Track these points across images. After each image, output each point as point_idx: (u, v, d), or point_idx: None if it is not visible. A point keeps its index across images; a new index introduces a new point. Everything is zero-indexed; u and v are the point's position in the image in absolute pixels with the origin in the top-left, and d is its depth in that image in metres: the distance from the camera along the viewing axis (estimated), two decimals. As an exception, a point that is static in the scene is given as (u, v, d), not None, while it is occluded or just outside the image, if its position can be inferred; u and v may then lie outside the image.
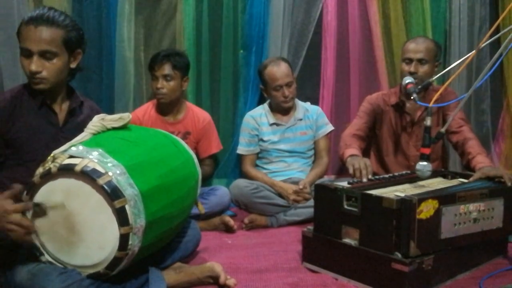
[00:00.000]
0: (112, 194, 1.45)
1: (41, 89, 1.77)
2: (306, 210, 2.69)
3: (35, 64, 1.72)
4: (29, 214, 1.52)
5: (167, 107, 2.82)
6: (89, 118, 1.87)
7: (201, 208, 2.07)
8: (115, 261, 1.49)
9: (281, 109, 2.99)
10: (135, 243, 1.50)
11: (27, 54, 1.73)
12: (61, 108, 1.88)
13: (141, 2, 2.99)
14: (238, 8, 3.13)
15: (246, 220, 2.65)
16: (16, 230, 1.46)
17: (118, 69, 2.94)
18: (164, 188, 1.64)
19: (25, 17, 1.75)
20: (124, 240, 1.47)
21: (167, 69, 2.73)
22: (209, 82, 3.15)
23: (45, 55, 1.74)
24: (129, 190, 1.48)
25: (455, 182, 2.18)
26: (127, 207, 1.46)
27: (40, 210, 1.50)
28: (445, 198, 1.81)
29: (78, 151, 1.54)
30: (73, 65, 1.86)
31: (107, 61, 2.93)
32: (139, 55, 3.02)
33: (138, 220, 1.49)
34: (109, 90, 2.95)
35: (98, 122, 1.69)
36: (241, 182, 2.80)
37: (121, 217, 1.46)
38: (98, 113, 1.98)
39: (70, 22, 1.81)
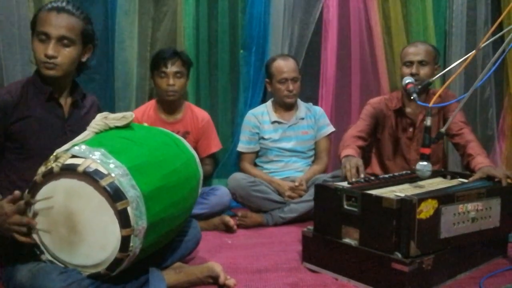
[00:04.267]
0: (115, 195, 1.45)
1: (51, 75, 1.77)
2: (299, 205, 2.72)
3: (52, 48, 1.73)
4: (30, 214, 1.52)
5: (171, 106, 2.82)
6: (92, 110, 1.91)
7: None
8: (116, 262, 1.49)
9: (284, 105, 3.00)
10: (136, 244, 1.50)
11: (43, 38, 1.74)
12: (66, 101, 1.88)
13: (145, 3, 2.99)
14: (238, 8, 3.14)
15: (239, 213, 2.68)
16: (18, 230, 1.49)
17: (118, 69, 2.93)
18: (166, 189, 1.64)
19: (45, 6, 1.78)
20: (125, 241, 1.46)
21: (179, 66, 2.74)
22: (208, 82, 3.15)
23: (63, 41, 1.75)
24: (132, 191, 1.48)
25: (454, 182, 2.18)
26: (129, 209, 1.46)
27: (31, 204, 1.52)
28: (444, 197, 1.81)
29: (81, 151, 1.53)
30: (83, 59, 1.88)
31: (109, 61, 2.92)
32: (142, 55, 3.01)
33: (140, 222, 1.48)
34: (111, 90, 2.94)
35: (100, 120, 1.68)
36: (239, 175, 2.83)
37: (123, 219, 1.45)
38: (98, 107, 2.01)
39: (87, 17, 1.86)
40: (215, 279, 1.83)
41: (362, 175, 2.11)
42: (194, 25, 3.05)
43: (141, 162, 1.58)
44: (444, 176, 2.31)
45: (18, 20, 2.69)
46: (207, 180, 3.01)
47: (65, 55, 1.76)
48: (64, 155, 1.52)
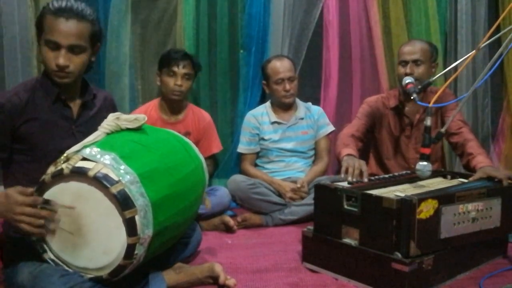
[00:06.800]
0: (123, 204, 1.43)
1: (65, 83, 1.72)
2: (300, 208, 2.71)
3: (63, 58, 1.66)
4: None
5: (174, 106, 2.82)
6: (102, 110, 1.85)
7: (207, 203, 2.03)
8: (119, 269, 1.49)
9: (282, 106, 2.99)
10: (140, 252, 1.49)
11: (54, 47, 1.66)
12: (75, 102, 1.82)
13: (140, 2, 2.98)
14: (238, 8, 3.13)
15: (239, 219, 2.67)
16: (27, 221, 1.43)
17: (109, 69, 2.91)
18: (174, 197, 1.63)
19: (50, 7, 1.67)
20: (130, 249, 1.46)
21: (189, 68, 2.74)
22: (208, 82, 3.15)
23: (74, 49, 1.68)
24: (140, 200, 1.47)
25: (455, 182, 2.18)
26: (137, 217, 1.45)
27: (49, 208, 1.48)
28: (445, 198, 1.81)
29: (92, 154, 1.51)
30: (93, 58, 1.81)
31: (101, 61, 2.90)
32: (134, 56, 3.00)
33: (146, 230, 1.48)
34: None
35: (112, 121, 1.65)
36: (238, 177, 2.83)
37: (130, 227, 1.44)
38: (111, 103, 1.96)
39: (94, 15, 1.76)
40: (215, 279, 1.83)
41: (365, 180, 2.06)
42: (194, 25, 3.05)
43: (151, 169, 1.57)
44: (445, 176, 2.30)
45: (18, 20, 2.69)
46: (208, 180, 3.01)
47: (77, 63, 1.71)
48: (74, 156, 1.51)
